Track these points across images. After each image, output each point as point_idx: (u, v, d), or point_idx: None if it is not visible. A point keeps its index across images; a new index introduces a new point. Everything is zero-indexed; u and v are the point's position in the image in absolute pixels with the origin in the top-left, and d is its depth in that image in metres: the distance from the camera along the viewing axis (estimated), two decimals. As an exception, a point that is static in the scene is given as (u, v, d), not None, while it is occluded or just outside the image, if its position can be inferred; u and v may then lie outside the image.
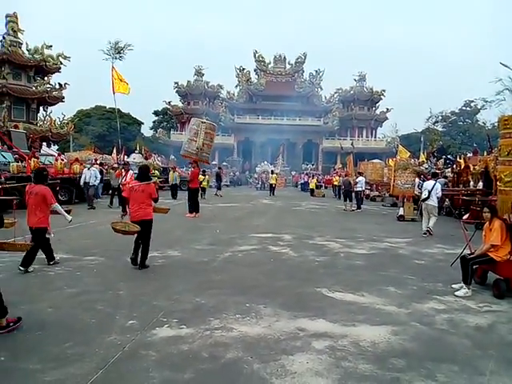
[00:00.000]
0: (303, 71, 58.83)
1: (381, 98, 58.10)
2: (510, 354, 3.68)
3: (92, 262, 6.69)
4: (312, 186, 28.97)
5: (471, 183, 15.71)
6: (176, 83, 57.10)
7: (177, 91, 57.66)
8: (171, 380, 3.07)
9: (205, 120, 13.94)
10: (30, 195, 6.00)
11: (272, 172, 30.26)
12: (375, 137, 59.20)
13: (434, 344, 3.86)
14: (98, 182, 14.98)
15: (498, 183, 6.27)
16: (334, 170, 39.23)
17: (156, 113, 70.70)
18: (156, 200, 6.65)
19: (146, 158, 27.95)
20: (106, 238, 8.13)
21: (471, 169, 16.22)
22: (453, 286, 5.72)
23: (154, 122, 71.66)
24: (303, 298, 5.11)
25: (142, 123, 64.92)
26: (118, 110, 49.77)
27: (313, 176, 33.10)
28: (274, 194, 26.56)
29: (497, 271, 5.65)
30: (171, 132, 58.07)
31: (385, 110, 58.42)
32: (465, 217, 11.33)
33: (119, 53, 11.81)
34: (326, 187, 34.87)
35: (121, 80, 17.07)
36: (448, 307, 4.96)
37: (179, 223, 11.60)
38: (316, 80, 57.98)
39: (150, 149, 39.56)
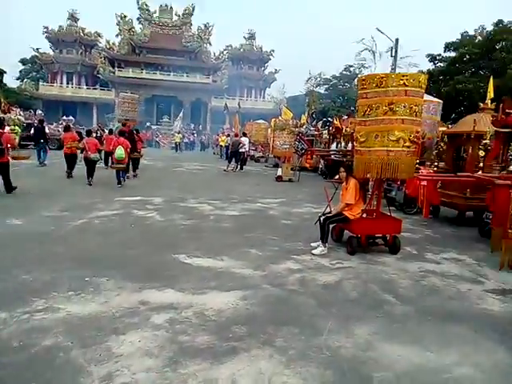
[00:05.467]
0: (191, 24, 55.74)
1: (270, 59, 58.33)
2: (350, 311, 3.78)
3: None
4: (222, 143, 27.31)
5: (342, 144, 16.68)
6: (45, 28, 49.88)
7: (47, 37, 50.52)
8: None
9: (126, 94, 21.50)
10: None
11: (179, 132, 36.19)
12: (264, 97, 59.79)
13: (281, 306, 3.81)
14: None
15: (354, 143, 6.49)
16: (222, 130, 38.79)
17: (23, 61, 61.47)
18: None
19: (5, 112, 24.06)
20: None
21: (343, 131, 17.20)
22: (311, 244, 5.85)
23: (20, 71, 62.42)
24: (156, 267, 4.71)
25: (5, 72, 56.14)
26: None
27: (223, 133, 31.34)
28: (180, 150, 33.10)
29: (350, 229, 5.91)
30: (40, 83, 51.11)
31: (273, 71, 59.07)
32: (337, 177, 11.93)
33: None
34: (213, 147, 34.86)
35: None
36: (303, 266, 5.03)
37: (33, 186, 10.18)
38: (205, 35, 55.40)
39: (15, 102, 34.60)
